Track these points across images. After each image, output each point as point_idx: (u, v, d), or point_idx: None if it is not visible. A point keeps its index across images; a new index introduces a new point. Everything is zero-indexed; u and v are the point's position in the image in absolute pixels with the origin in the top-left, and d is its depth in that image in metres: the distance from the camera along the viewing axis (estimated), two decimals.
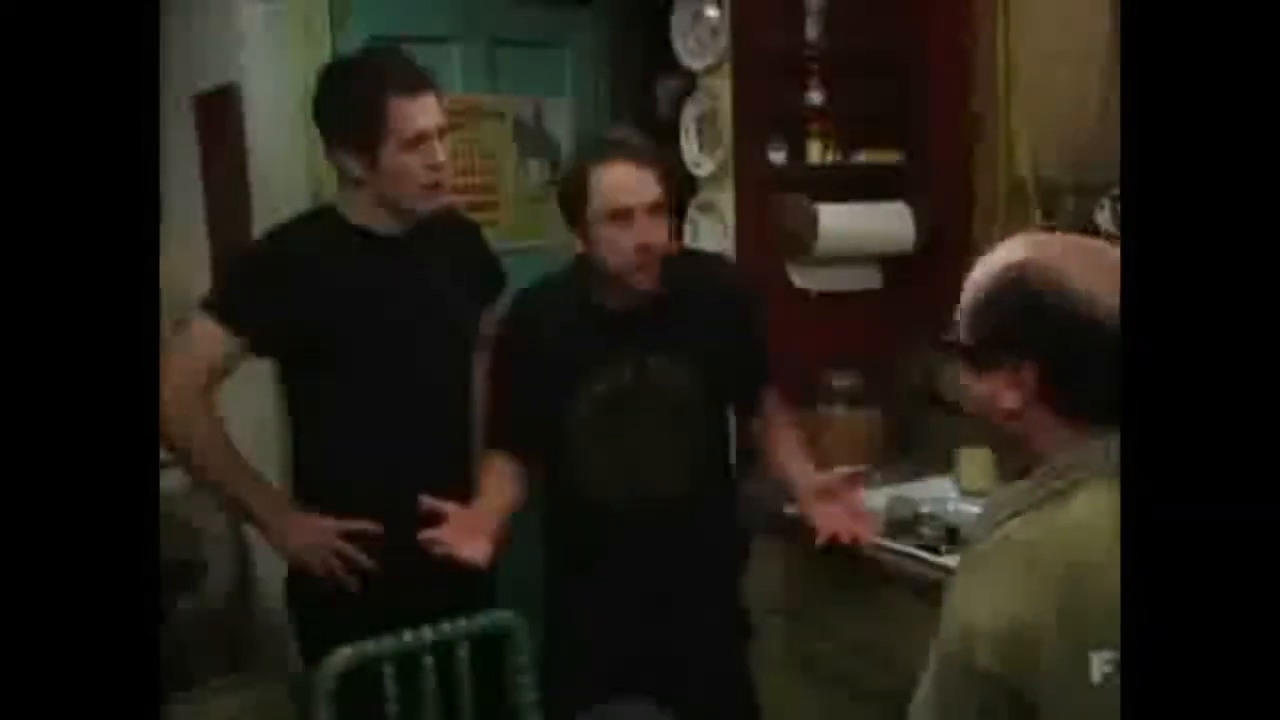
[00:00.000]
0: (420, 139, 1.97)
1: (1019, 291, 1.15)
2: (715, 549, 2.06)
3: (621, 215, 1.85)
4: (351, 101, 1.98)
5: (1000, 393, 1.17)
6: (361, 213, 2.04)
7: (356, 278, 2.00)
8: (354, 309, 1.98)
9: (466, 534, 1.81)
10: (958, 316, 1.24)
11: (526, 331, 2.00)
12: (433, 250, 2.08)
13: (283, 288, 1.96)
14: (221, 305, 1.98)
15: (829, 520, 1.96)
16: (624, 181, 1.85)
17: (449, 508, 1.81)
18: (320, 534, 1.97)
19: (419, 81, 1.99)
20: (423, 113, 1.98)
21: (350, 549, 1.96)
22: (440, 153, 2.00)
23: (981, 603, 1.11)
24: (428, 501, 1.80)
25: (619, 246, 1.86)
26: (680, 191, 2.69)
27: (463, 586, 1.95)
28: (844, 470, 2.01)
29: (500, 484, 1.98)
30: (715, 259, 2.29)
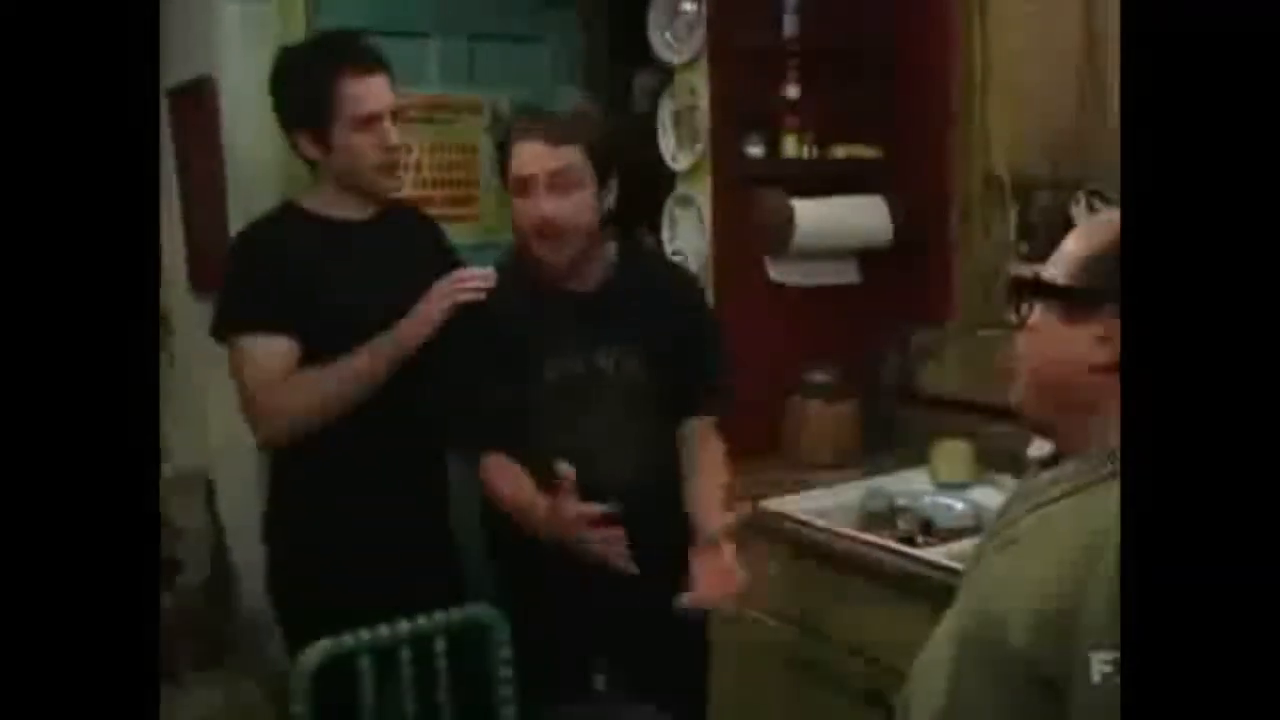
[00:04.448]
0: (372, 119, 1.99)
1: None
2: (667, 527, 2.02)
3: (522, 186, 1.85)
4: (303, 84, 1.99)
5: (1091, 345, 1.14)
6: (325, 203, 2.05)
7: (327, 265, 2.00)
8: (326, 296, 1.97)
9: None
10: (1058, 260, 1.20)
11: (477, 318, 1.96)
12: (398, 237, 2.09)
13: (279, 283, 1.97)
14: (252, 318, 1.98)
15: (702, 582, 1.80)
16: (529, 153, 1.84)
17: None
18: (425, 311, 1.96)
19: (370, 63, 2.01)
20: (373, 94, 2.00)
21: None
22: (394, 134, 2.02)
23: (1018, 583, 1.10)
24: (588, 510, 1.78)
25: (521, 218, 1.87)
26: (654, 181, 2.71)
27: (441, 578, 1.95)
28: (730, 520, 1.89)
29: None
30: (664, 258, 2.28)
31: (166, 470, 3.09)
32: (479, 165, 2.97)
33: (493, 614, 1.85)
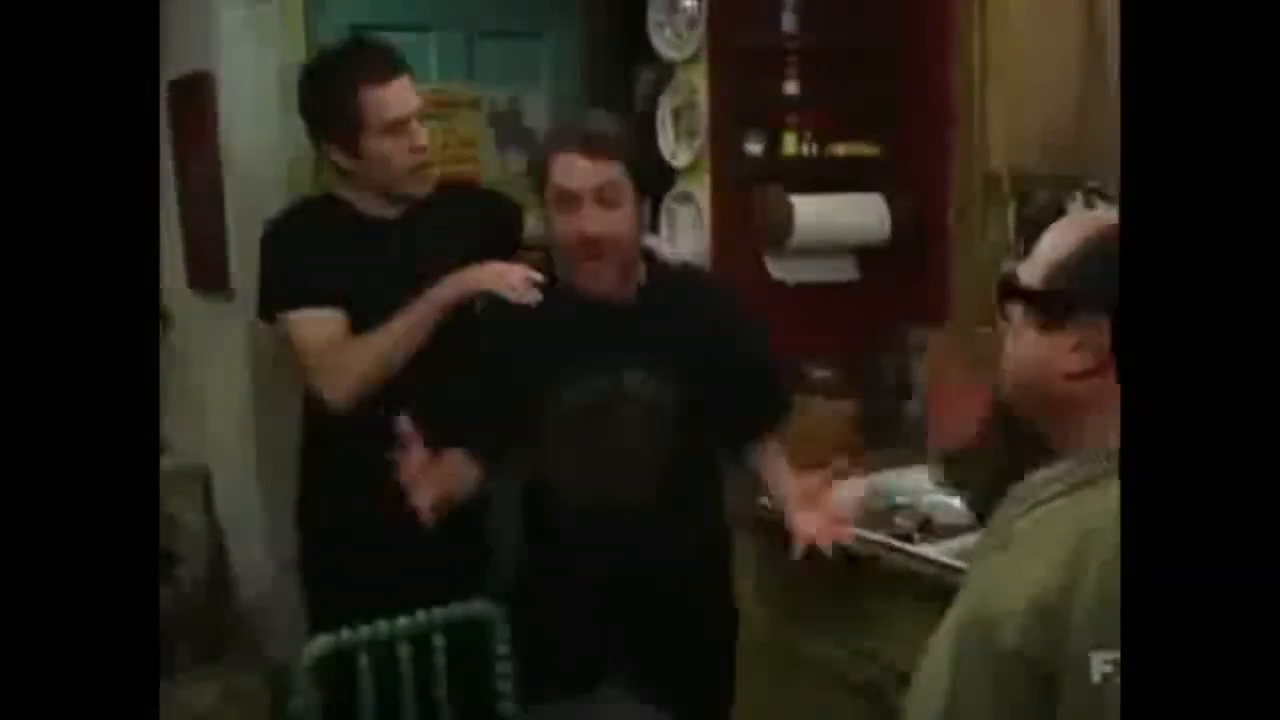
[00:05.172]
0: (398, 124, 2.01)
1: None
2: (695, 550, 2.01)
3: (565, 200, 1.79)
4: (326, 97, 2.02)
5: (1064, 353, 1.14)
6: (359, 200, 2.09)
7: (360, 261, 2.04)
8: (358, 293, 2.02)
9: (425, 479, 1.79)
10: (1033, 262, 1.18)
11: (502, 328, 1.94)
12: (439, 229, 2.10)
13: (317, 265, 2.04)
14: (298, 295, 2.04)
15: (808, 526, 1.90)
16: (571, 167, 1.79)
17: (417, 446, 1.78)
18: (459, 280, 1.99)
19: (389, 67, 2.02)
20: (396, 98, 2.02)
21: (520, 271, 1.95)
22: (421, 135, 2.04)
23: (1011, 583, 1.10)
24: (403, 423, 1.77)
25: (564, 235, 1.81)
26: (654, 184, 2.69)
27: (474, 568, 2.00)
28: (823, 473, 1.93)
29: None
30: (696, 272, 2.18)
31: (166, 463, 3.08)
32: (478, 160, 2.97)
33: (492, 611, 1.85)
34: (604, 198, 1.79)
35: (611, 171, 1.80)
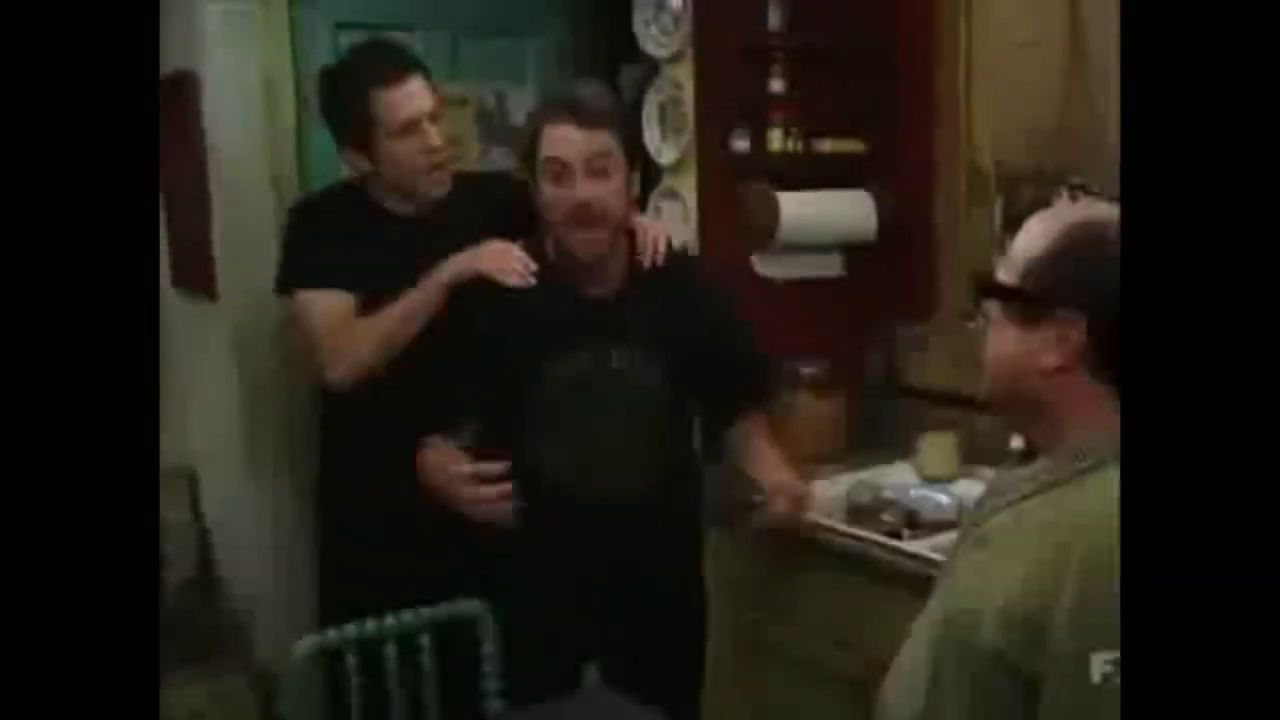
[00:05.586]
0: (409, 126, 2.02)
1: (1094, 247, 1.10)
2: (673, 539, 2.02)
3: (556, 171, 1.79)
4: (340, 102, 2.06)
5: (1040, 349, 1.14)
6: (381, 197, 2.12)
7: (371, 256, 2.05)
8: (366, 284, 2.04)
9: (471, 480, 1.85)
10: (1009, 260, 1.19)
11: (495, 311, 1.93)
12: (452, 224, 2.10)
13: (336, 252, 2.07)
14: (313, 276, 2.08)
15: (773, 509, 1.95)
16: (563, 137, 1.79)
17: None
18: (460, 260, 1.99)
19: (401, 69, 2.03)
20: (407, 100, 2.03)
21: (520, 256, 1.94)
22: (434, 135, 2.05)
23: (990, 581, 1.10)
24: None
25: (554, 206, 1.81)
26: (644, 167, 2.69)
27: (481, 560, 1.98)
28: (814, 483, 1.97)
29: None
30: (683, 256, 2.16)
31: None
32: (466, 157, 2.96)
33: (479, 610, 1.85)
34: (595, 168, 1.80)
35: (604, 141, 1.81)
